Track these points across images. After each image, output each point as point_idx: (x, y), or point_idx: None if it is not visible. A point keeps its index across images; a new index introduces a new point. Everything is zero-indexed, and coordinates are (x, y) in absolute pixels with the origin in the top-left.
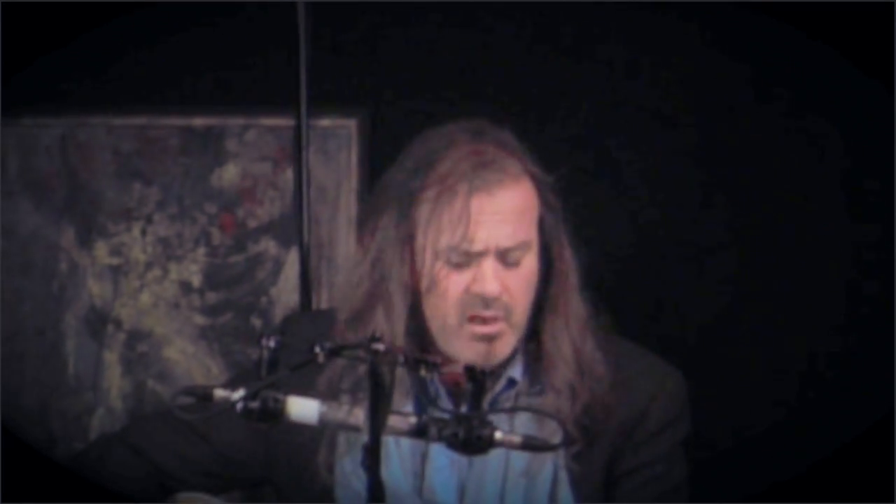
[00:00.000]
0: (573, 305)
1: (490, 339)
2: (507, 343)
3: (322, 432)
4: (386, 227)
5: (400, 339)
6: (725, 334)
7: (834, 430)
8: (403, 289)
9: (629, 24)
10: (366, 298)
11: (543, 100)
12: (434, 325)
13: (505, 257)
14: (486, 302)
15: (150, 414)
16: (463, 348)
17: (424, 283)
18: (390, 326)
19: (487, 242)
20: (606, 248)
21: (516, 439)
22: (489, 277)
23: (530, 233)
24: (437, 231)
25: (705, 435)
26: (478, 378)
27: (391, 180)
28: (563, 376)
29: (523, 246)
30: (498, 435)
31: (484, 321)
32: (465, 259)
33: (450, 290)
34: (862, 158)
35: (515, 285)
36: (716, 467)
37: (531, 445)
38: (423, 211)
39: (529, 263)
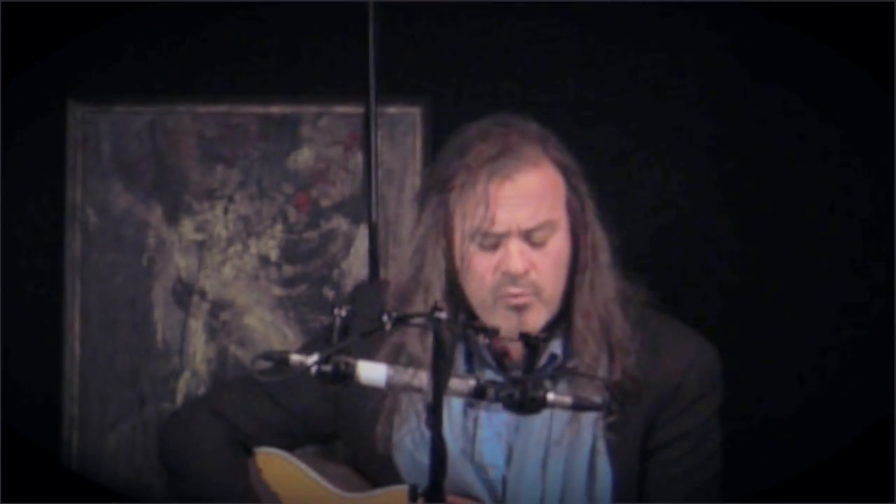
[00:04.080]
0: (602, 283)
1: (521, 309)
2: (538, 315)
3: (381, 409)
4: (425, 216)
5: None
6: (725, 335)
7: (834, 431)
8: (440, 271)
9: (659, 31)
10: (407, 282)
11: (586, 95)
12: (473, 301)
13: (530, 237)
14: (514, 279)
15: (230, 381)
16: (498, 320)
17: (459, 265)
18: (427, 306)
19: (509, 224)
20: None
21: (567, 400)
22: (514, 256)
23: (554, 214)
24: (463, 215)
25: None
26: (532, 344)
27: (431, 172)
28: (592, 351)
29: (546, 226)
30: (550, 396)
31: (513, 294)
32: (493, 241)
33: (481, 270)
34: (862, 156)
35: (543, 264)
36: None
37: (580, 405)
38: (453, 197)
39: (557, 243)
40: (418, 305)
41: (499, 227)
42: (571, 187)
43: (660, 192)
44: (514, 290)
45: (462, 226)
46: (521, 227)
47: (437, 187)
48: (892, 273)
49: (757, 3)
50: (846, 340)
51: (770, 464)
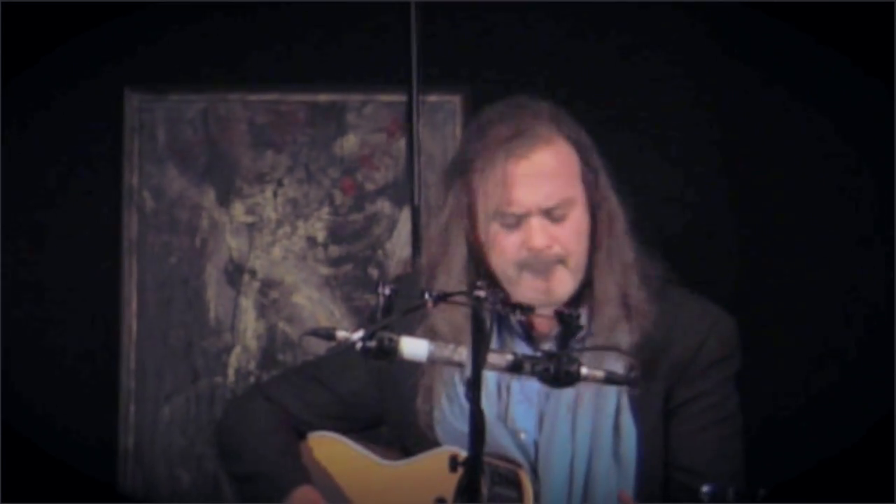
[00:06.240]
0: (619, 250)
1: (546, 274)
2: (564, 283)
3: (419, 383)
4: (450, 197)
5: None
6: None
7: (834, 431)
8: (463, 250)
9: (669, 31)
10: (433, 259)
11: (606, 87)
12: (499, 276)
13: (550, 214)
14: (538, 255)
15: (282, 372)
16: (525, 290)
17: (484, 242)
18: (449, 283)
19: (528, 205)
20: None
21: (599, 374)
22: (536, 233)
23: (571, 190)
24: (485, 196)
25: None
26: (566, 321)
27: (455, 154)
28: (610, 314)
29: (565, 203)
30: (584, 370)
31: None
32: (515, 220)
33: (505, 247)
34: (863, 156)
35: (565, 237)
36: None
37: (612, 379)
38: (475, 179)
39: (577, 217)
40: (442, 283)
41: (518, 209)
42: (585, 162)
43: (668, 189)
44: (538, 265)
45: (485, 206)
46: (541, 206)
47: (460, 169)
48: (892, 273)
49: (758, 3)
50: (846, 341)
51: (770, 463)
